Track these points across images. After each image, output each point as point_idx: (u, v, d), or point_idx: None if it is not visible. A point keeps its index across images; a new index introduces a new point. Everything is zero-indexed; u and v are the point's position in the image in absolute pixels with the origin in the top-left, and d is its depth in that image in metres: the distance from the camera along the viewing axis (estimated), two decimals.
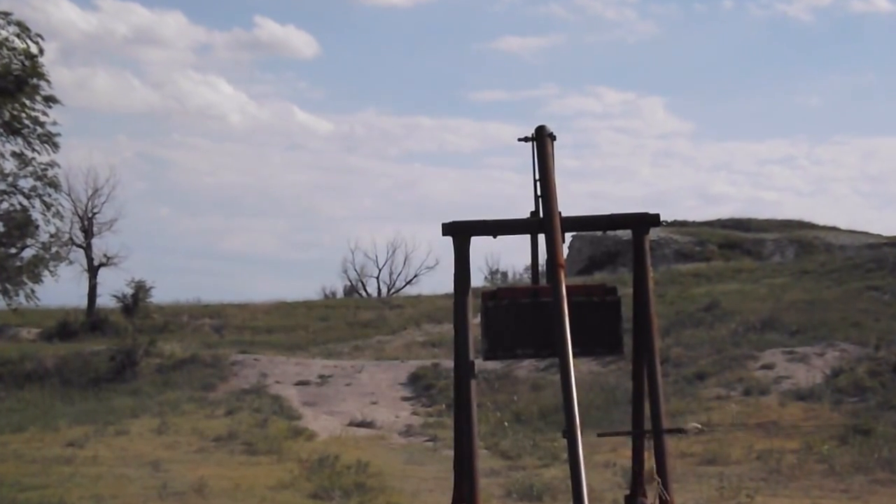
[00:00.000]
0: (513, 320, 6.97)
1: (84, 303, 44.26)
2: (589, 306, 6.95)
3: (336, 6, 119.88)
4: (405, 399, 26.48)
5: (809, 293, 32.30)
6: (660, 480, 6.24)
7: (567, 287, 6.50)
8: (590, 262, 50.13)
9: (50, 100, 34.03)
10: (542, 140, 6.80)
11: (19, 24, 33.02)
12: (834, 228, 54.88)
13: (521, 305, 7.02)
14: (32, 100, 33.61)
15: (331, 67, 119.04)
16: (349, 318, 42.74)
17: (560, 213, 6.60)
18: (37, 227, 35.34)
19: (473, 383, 6.74)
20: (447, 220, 6.88)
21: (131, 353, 29.91)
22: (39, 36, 33.35)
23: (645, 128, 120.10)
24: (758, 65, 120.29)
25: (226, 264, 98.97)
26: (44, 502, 14.34)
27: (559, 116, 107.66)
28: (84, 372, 29.60)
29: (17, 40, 32.78)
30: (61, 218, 38.16)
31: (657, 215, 6.98)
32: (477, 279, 61.57)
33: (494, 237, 7.04)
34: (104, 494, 14.95)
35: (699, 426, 15.86)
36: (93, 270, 44.14)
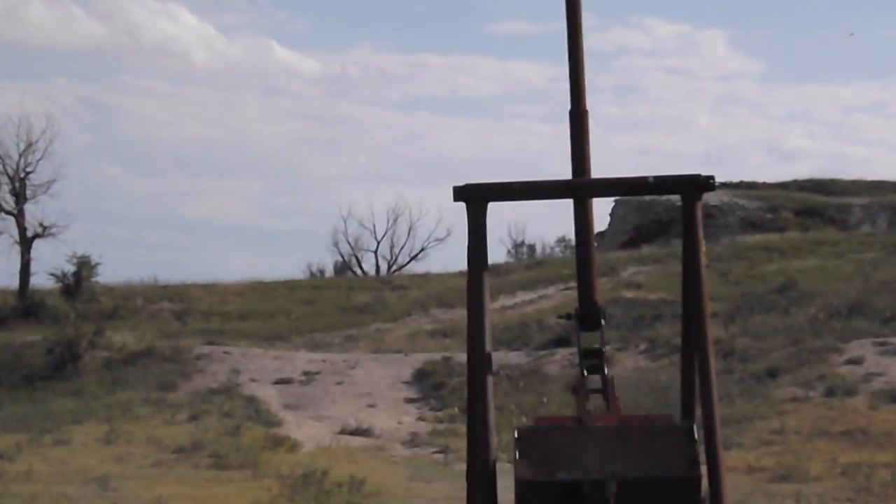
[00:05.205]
0: (554, 446, 6.88)
1: (15, 283, 44.36)
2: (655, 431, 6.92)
3: None
4: (409, 401, 26.52)
5: None
6: None
7: (626, 417, 6.79)
8: (636, 232, 50.07)
9: None
10: None
11: None
12: None
13: (564, 430, 7.03)
14: None
15: None
16: (341, 302, 42.78)
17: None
18: None
19: (490, 379, 6.72)
20: (460, 182, 6.88)
21: (73, 344, 29.98)
22: None
23: (703, 68, 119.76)
24: None
25: (189, 235, 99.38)
26: None
27: (598, 53, 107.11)
28: (15, 368, 29.71)
29: None
30: None
31: (711, 177, 6.94)
32: (499, 252, 61.59)
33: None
34: None
35: None
36: (26, 243, 44.19)
